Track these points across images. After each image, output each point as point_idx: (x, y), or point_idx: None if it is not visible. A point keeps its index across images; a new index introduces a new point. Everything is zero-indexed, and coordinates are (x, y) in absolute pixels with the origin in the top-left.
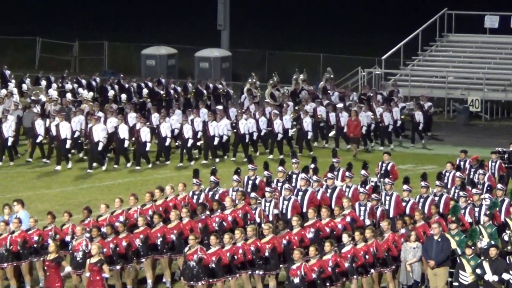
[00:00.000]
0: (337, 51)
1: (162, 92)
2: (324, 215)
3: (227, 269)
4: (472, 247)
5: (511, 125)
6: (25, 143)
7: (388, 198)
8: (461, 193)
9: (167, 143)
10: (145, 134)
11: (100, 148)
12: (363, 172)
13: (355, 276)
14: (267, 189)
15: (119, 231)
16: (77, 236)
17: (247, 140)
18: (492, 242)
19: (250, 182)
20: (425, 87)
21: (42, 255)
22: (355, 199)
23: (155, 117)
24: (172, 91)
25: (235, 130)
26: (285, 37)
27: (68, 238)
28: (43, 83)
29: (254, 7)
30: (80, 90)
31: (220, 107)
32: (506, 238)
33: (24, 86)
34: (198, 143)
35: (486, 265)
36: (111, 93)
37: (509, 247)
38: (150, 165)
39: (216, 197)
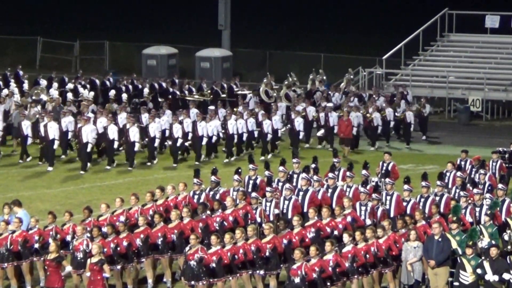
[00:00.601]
0: (338, 51)
1: (177, 92)
2: (325, 215)
3: (228, 269)
4: (473, 247)
5: None
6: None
7: (388, 198)
8: (461, 193)
9: (156, 144)
10: (133, 134)
11: (89, 149)
12: (364, 172)
13: (355, 276)
14: (268, 189)
15: (120, 231)
16: (77, 235)
17: (235, 140)
18: (493, 242)
19: (251, 182)
20: (426, 87)
21: (43, 254)
22: (356, 199)
23: (145, 117)
24: (186, 91)
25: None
26: (286, 37)
27: (68, 238)
28: (44, 82)
29: (255, 7)
30: (81, 89)
31: (212, 107)
32: (506, 237)
33: (25, 86)
34: (186, 143)
35: (486, 265)
36: (112, 92)
37: (509, 247)
38: (131, 168)
39: (217, 196)
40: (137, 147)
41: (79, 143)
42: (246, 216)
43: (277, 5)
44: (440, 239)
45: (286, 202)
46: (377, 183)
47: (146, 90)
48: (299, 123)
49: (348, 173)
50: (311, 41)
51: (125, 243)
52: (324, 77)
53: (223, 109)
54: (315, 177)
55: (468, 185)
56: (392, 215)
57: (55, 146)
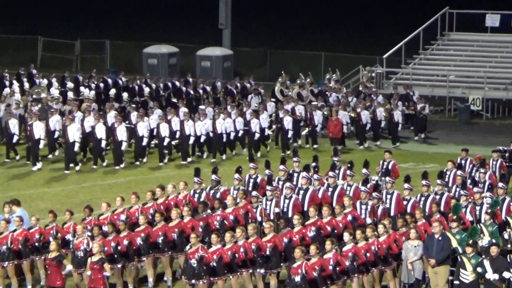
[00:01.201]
0: (339, 50)
1: (191, 91)
2: (325, 213)
3: (228, 267)
4: (473, 246)
5: None
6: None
7: (389, 196)
8: (462, 192)
9: (144, 143)
10: (121, 133)
11: (76, 148)
12: (364, 170)
13: (356, 275)
14: (268, 187)
15: (120, 230)
16: (78, 234)
17: (224, 140)
18: (493, 241)
19: (252, 180)
20: (426, 86)
21: (43, 253)
22: (356, 198)
23: (134, 115)
24: (201, 91)
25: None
26: (286, 36)
27: (69, 237)
28: (44, 81)
29: (255, 6)
30: (82, 88)
31: (202, 107)
32: (506, 236)
33: (26, 85)
34: (173, 142)
35: (487, 263)
36: (112, 91)
37: (509, 246)
38: (118, 167)
39: (218, 195)
40: (124, 146)
41: (65, 142)
42: (246, 215)
43: (278, 4)
44: (440, 238)
45: (287, 201)
46: (377, 181)
47: (146, 89)
48: (288, 122)
49: (348, 172)
50: (312, 40)
51: (125, 242)
52: (338, 77)
53: (210, 108)
54: (315, 176)
55: (469, 181)
56: (392, 213)
57: (41, 146)
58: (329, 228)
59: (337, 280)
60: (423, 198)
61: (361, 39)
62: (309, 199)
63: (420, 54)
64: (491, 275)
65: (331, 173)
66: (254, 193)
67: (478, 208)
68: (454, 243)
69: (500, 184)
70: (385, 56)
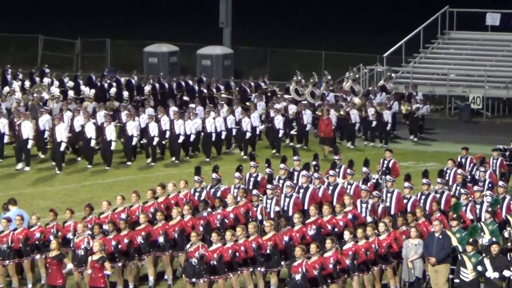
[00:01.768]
0: (339, 49)
1: (204, 90)
2: (326, 212)
3: (229, 266)
4: (473, 244)
5: None
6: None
7: (389, 195)
8: (462, 190)
9: (133, 142)
10: (110, 132)
11: (62, 148)
12: (364, 169)
13: (356, 273)
14: (269, 186)
15: (121, 228)
16: (79, 233)
17: (213, 139)
18: (494, 239)
19: (252, 179)
20: (427, 85)
21: (44, 252)
22: (357, 196)
23: (124, 115)
24: (214, 89)
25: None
26: (287, 35)
27: (70, 235)
28: (46, 80)
29: (256, 5)
30: (82, 87)
31: (192, 105)
32: (506, 235)
33: (27, 84)
34: (163, 142)
35: (487, 262)
36: (112, 90)
37: (509, 244)
38: (108, 167)
39: (218, 194)
40: (113, 146)
41: (53, 142)
42: (247, 213)
43: (278, 2)
44: (440, 236)
45: (287, 199)
46: (377, 180)
47: (147, 88)
48: (279, 121)
49: (348, 171)
50: (312, 39)
51: (126, 241)
52: (357, 76)
53: (201, 107)
54: (315, 175)
55: (469, 178)
56: (392, 212)
57: (29, 145)
58: (329, 227)
59: (338, 279)
60: (423, 197)
61: (361, 38)
62: (310, 197)
63: (420, 52)
64: (491, 274)
65: (331, 172)
66: (254, 191)
67: (478, 206)
68: (454, 242)
69: (500, 183)
70: (385, 54)
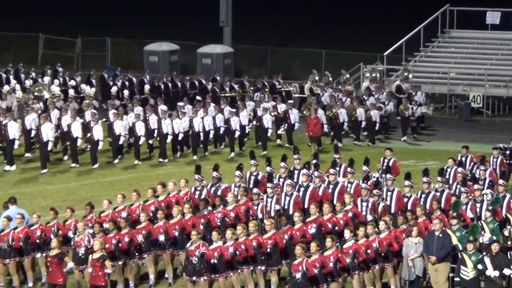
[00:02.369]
0: (339, 47)
1: (217, 89)
2: (326, 210)
3: (229, 264)
4: (474, 243)
5: None
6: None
7: (389, 193)
8: (462, 189)
9: (120, 142)
10: (97, 132)
11: (49, 148)
12: (365, 167)
13: (356, 272)
14: (269, 184)
15: (121, 227)
16: (79, 231)
17: (201, 138)
18: (494, 238)
19: (253, 177)
20: (427, 83)
21: (45, 250)
22: (357, 195)
23: (112, 114)
24: (227, 88)
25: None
26: (287, 34)
27: (70, 234)
28: (46, 79)
29: (256, 3)
30: (83, 86)
31: (181, 103)
32: (506, 233)
33: (27, 82)
34: (150, 141)
35: (487, 260)
36: (113, 89)
37: (509, 243)
38: (95, 166)
39: (219, 192)
40: (100, 145)
41: (39, 142)
42: (247, 212)
43: (278, 1)
44: (440, 235)
45: (287, 198)
46: (378, 179)
47: (147, 87)
48: (267, 120)
49: (349, 169)
50: (313, 38)
51: (126, 239)
52: (374, 75)
53: (190, 105)
54: (316, 173)
55: (469, 176)
56: (393, 211)
57: (16, 146)
58: (329, 225)
59: (338, 277)
60: (423, 195)
61: (361, 37)
62: (310, 196)
63: (420, 51)
64: (491, 272)
65: (331, 170)
66: (255, 190)
67: (478, 205)
68: (455, 240)
69: (501, 181)
70: (385, 53)
